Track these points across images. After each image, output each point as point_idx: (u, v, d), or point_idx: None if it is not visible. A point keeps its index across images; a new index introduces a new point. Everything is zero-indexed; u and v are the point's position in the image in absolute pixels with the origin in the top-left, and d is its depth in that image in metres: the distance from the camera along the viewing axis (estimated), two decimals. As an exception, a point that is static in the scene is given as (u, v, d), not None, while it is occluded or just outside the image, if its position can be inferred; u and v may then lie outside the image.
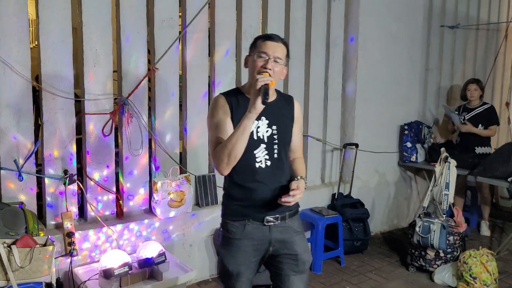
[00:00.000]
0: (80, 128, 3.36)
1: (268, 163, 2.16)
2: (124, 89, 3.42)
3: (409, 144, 5.05)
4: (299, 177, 2.20)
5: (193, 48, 3.72)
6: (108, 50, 3.31)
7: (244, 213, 2.16)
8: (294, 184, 2.11)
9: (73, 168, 3.25)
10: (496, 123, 5.05)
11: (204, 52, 3.79)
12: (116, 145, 3.50)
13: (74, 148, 3.25)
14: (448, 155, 4.25)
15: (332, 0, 4.57)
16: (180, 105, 3.79)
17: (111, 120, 3.34)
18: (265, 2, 4.12)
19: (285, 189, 2.13)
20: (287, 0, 4.26)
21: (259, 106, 1.94)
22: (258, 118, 2.13)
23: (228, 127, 2.09)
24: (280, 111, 2.21)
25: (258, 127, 2.15)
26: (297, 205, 2.27)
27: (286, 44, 2.17)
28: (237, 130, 1.98)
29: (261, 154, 2.15)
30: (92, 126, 3.31)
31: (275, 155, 2.18)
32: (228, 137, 2.02)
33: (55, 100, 3.12)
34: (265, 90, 1.94)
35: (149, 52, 3.58)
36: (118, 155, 3.54)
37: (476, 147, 4.95)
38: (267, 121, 2.16)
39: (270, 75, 2.04)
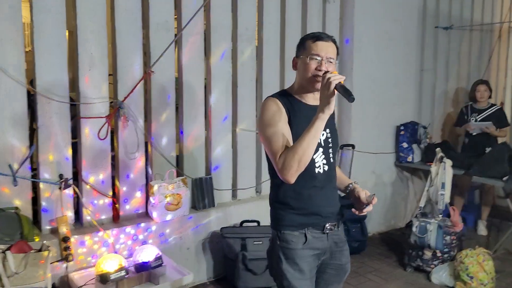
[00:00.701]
0: (75, 132, 3.34)
1: (326, 167, 2.08)
2: (120, 93, 3.41)
3: (405, 145, 5.06)
4: (352, 183, 2.16)
5: (189, 50, 3.71)
6: (103, 53, 3.30)
7: (303, 221, 2.04)
8: (369, 196, 2.04)
9: (68, 172, 3.24)
10: (508, 124, 5.10)
11: (200, 55, 3.79)
12: (112, 149, 3.49)
13: (69, 152, 3.24)
14: (443, 155, 4.26)
15: (327, 2, 4.57)
16: (177, 108, 3.78)
17: (107, 124, 3.33)
18: (260, 4, 4.12)
19: (337, 194, 2.13)
20: (283, 2, 4.26)
21: (332, 107, 1.86)
22: None
23: (289, 132, 1.98)
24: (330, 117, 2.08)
25: None
26: (342, 213, 2.21)
27: (335, 42, 2.10)
28: (308, 133, 1.86)
29: (319, 159, 2.06)
30: (88, 130, 3.30)
31: (331, 159, 2.11)
32: (297, 142, 1.88)
33: (50, 104, 3.11)
34: (344, 88, 1.85)
35: (145, 54, 3.57)
36: (114, 158, 3.53)
37: (486, 148, 4.96)
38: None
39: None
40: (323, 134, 2.07)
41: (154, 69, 3.51)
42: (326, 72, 1.96)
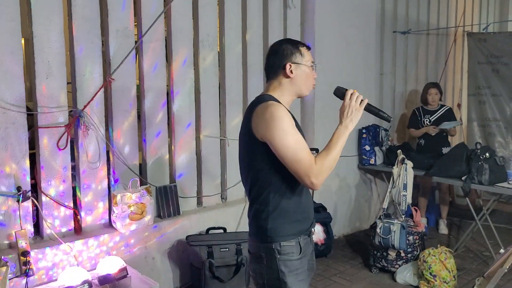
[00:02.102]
0: (33, 142, 3.24)
1: None
2: (79, 101, 3.33)
3: (367, 147, 5.15)
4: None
5: (150, 57, 3.67)
6: (61, 61, 3.22)
7: (297, 228, 2.02)
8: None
9: (27, 184, 3.13)
10: (458, 123, 5.29)
11: (161, 61, 3.75)
12: (73, 159, 3.40)
13: (27, 163, 3.13)
14: (404, 157, 4.37)
15: (288, 7, 4.62)
16: (139, 116, 3.72)
17: (66, 133, 3.24)
18: (221, 10, 4.12)
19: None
20: (244, 8, 4.27)
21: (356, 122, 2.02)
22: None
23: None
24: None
25: None
26: None
27: None
28: (338, 143, 1.94)
29: None
30: (46, 140, 3.20)
31: None
32: (330, 149, 1.93)
33: (5, 114, 3.00)
34: (373, 106, 2.09)
35: (104, 62, 3.50)
36: (74, 168, 3.44)
37: (443, 148, 5.14)
38: None
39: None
40: None
41: (114, 76, 3.45)
42: (342, 88, 2.10)
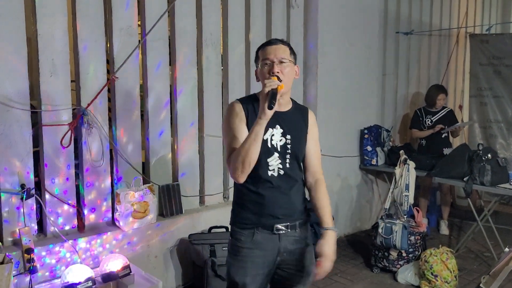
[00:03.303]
0: (37, 140, 3.25)
1: (281, 172, 2.12)
2: (83, 99, 3.34)
3: (369, 148, 5.16)
4: (325, 229, 2.14)
5: (153, 56, 3.68)
6: (65, 59, 3.23)
7: (253, 221, 2.12)
8: (318, 248, 2.10)
9: (30, 182, 3.14)
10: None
11: (164, 61, 3.76)
12: (76, 157, 3.41)
13: (31, 161, 3.14)
14: (407, 157, 4.37)
15: (291, 7, 4.62)
16: (142, 114, 3.73)
17: (70, 131, 3.25)
18: (225, 10, 4.13)
19: (298, 200, 2.18)
20: (247, 8, 4.28)
21: (268, 112, 1.91)
22: (273, 126, 2.10)
23: (244, 134, 2.04)
24: (295, 121, 2.17)
25: (273, 135, 2.11)
26: (308, 214, 2.25)
27: (286, 43, 2.14)
28: (249, 136, 1.95)
29: (274, 162, 2.11)
30: (50, 138, 3.21)
31: (287, 165, 2.13)
32: (241, 145, 1.98)
33: (9, 112, 3.01)
34: (272, 94, 1.91)
35: (108, 61, 3.51)
36: (78, 166, 3.45)
37: (444, 148, 5.15)
38: (281, 130, 2.13)
39: (279, 79, 2.01)
40: (281, 140, 2.12)
41: (118, 75, 3.47)
42: (271, 76, 2.02)
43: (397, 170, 4.37)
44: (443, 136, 5.20)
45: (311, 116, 2.28)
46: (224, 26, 4.16)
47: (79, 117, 3.31)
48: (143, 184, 3.59)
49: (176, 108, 3.85)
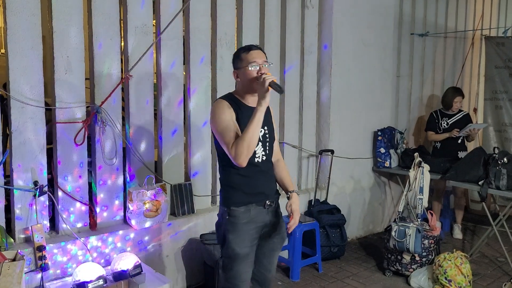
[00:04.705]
0: (51, 137, 3.25)
1: (264, 158, 2.54)
2: (97, 97, 3.34)
3: (382, 150, 5.10)
4: (290, 192, 2.64)
5: (168, 55, 3.67)
6: (80, 57, 3.23)
7: (248, 199, 2.48)
8: (288, 207, 2.59)
9: (43, 179, 3.14)
10: None
11: (178, 60, 3.75)
12: (89, 155, 3.41)
13: (44, 158, 3.14)
14: (421, 160, 4.32)
15: (306, 8, 4.60)
16: (155, 113, 3.73)
17: (83, 129, 3.25)
18: (239, 9, 4.11)
19: (274, 178, 2.67)
20: (262, 8, 4.26)
21: (268, 99, 2.32)
22: None
23: (236, 127, 2.39)
24: (266, 115, 2.48)
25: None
26: (278, 191, 2.68)
27: (262, 50, 2.54)
28: (252, 123, 2.30)
29: (259, 150, 2.50)
30: (64, 135, 3.21)
31: (267, 151, 2.56)
32: (244, 132, 2.31)
33: (24, 108, 3.02)
34: (276, 84, 2.32)
35: (122, 59, 3.51)
36: (91, 164, 3.45)
37: (459, 152, 5.08)
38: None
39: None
40: (261, 131, 2.47)
41: (132, 73, 3.46)
42: (262, 73, 2.38)
43: (411, 173, 4.31)
44: (459, 141, 5.12)
45: (271, 111, 2.68)
46: (239, 25, 4.14)
47: (93, 114, 3.31)
48: (155, 183, 3.58)
49: (190, 107, 3.84)
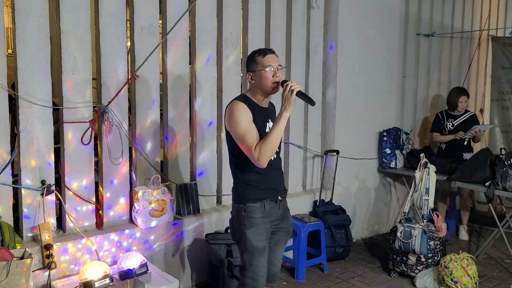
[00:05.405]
0: (58, 137, 3.28)
1: (275, 156, 2.65)
2: (104, 97, 3.36)
3: (388, 151, 5.09)
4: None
5: (174, 55, 3.69)
6: (87, 57, 3.25)
7: (263, 195, 2.61)
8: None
9: (51, 178, 3.17)
10: None
11: (184, 60, 3.76)
12: (96, 154, 3.43)
13: (52, 157, 3.17)
14: (427, 160, 4.31)
15: (312, 8, 4.60)
16: (161, 113, 3.74)
17: (90, 129, 3.27)
18: (245, 10, 4.12)
19: (283, 174, 2.84)
20: (267, 8, 4.27)
21: (293, 108, 2.45)
22: (267, 121, 2.62)
23: (256, 129, 2.51)
24: (274, 115, 2.68)
25: (269, 127, 2.60)
26: (285, 188, 2.84)
27: (276, 54, 2.64)
28: (276, 128, 2.44)
29: None
30: (71, 135, 3.24)
31: (278, 149, 2.65)
32: (269, 136, 2.45)
33: (32, 108, 3.04)
34: (304, 94, 2.51)
35: (129, 59, 3.52)
36: (97, 164, 3.47)
37: (464, 153, 5.05)
38: (271, 123, 2.62)
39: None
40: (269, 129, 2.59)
41: (138, 73, 3.48)
42: (285, 81, 2.51)
43: (417, 174, 4.30)
44: (465, 142, 5.09)
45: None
46: (244, 26, 4.15)
47: (99, 114, 3.33)
48: (161, 183, 3.59)
49: (195, 107, 3.85)
